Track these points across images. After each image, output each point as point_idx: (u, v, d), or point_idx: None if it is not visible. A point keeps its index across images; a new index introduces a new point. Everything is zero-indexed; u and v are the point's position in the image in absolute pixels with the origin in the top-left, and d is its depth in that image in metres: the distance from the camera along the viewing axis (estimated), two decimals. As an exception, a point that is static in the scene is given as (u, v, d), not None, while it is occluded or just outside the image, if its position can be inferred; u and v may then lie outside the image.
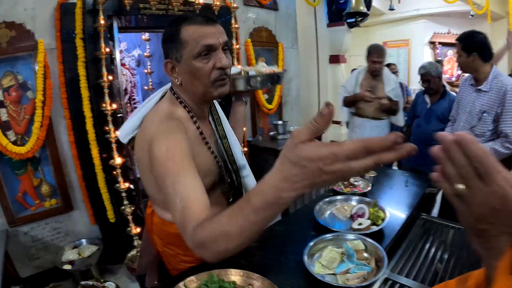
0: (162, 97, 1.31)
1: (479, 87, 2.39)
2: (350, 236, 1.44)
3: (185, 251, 1.33)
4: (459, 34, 2.52)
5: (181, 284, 1.14)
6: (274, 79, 1.56)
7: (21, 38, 2.49)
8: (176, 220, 0.96)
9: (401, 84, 4.83)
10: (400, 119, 3.65)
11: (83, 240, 2.91)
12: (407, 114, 3.92)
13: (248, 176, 1.47)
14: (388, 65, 5.03)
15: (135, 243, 2.86)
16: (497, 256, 0.46)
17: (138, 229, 2.82)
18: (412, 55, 8.08)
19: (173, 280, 1.24)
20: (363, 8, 4.44)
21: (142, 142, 1.16)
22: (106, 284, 2.67)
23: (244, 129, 1.68)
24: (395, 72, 4.98)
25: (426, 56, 7.94)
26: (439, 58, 7.94)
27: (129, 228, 2.84)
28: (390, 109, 3.55)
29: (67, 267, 2.65)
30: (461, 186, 0.49)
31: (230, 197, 1.39)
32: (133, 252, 2.90)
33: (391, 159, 0.54)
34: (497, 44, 7.67)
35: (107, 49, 2.60)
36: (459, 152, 0.48)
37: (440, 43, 8.27)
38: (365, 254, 1.35)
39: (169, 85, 1.31)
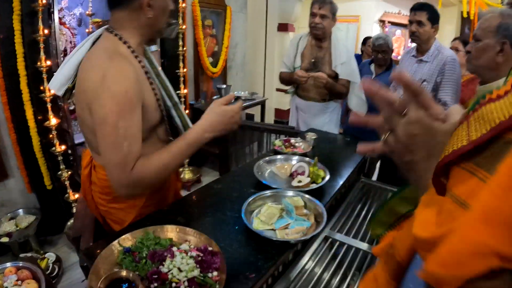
0: (93, 43, 1.27)
1: (420, 58, 2.48)
2: (289, 193, 1.44)
3: (139, 200, 1.37)
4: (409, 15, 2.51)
5: (115, 242, 1.09)
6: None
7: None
8: (115, 157, 1.09)
9: (359, 57, 4.76)
10: (353, 101, 2.89)
11: (20, 210, 2.75)
12: None
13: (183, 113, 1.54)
14: (368, 38, 4.83)
15: (74, 210, 2.76)
16: (425, 186, 0.49)
17: (77, 195, 2.71)
18: (361, 32, 8.22)
19: (108, 239, 1.19)
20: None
21: (88, 82, 1.13)
22: (46, 255, 2.61)
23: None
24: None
25: (375, 33, 8.13)
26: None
27: (67, 195, 2.74)
28: (332, 90, 2.74)
29: (5, 240, 2.51)
30: (387, 135, 0.53)
31: (170, 137, 1.44)
32: (73, 221, 2.77)
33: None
34: (445, 29, 8.04)
35: (44, 1, 2.39)
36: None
37: (389, 22, 8.49)
38: (305, 211, 1.36)
39: (99, 31, 1.28)
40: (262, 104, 4.87)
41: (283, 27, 5.67)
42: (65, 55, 4.05)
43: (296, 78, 2.71)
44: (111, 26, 1.24)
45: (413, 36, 2.51)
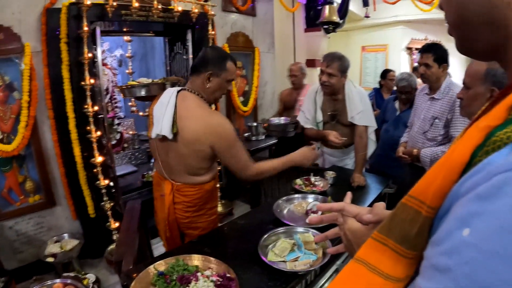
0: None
1: (432, 95, 2.54)
2: (300, 229, 1.64)
3: (212, 203, 2.04)
4: (435, 40, 2.52)
5: (151, 266, 1.34)
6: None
7: (9, 41, 2.56)
8: (239, 165, 1.85)
9: (378, 91, 4.79)
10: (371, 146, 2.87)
11: (65, 234, 2.99)
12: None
13: None
14: (387, 72, 4.83)
15: (114, 237, 2.99)
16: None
17: (117, 224, 2.95)
18: (390, 60, 8.30)
19: (145, 264, 1.42)
20: (336, 18, 4.65)
21: (200, 127, 1.78)
22: (87, 276, 2.78)
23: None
24: (393, 80, 4.52)
25: (403, 61, 8.18)
26: (416, 64, 8.13)
27: (108, 223, 2.97)
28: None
29: (50, 259, 2.73)
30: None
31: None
32: (112, 246, 3.02)
33: None
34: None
35: (90, 55, 2.70)
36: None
37: (417, 49, 8.53)
38: (314, 245, 1.54)
39: (175, 89, 1.91)
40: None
41: (311, 63, 5.89)
42: (107, 93, 4.44)
43: (332, 142, 2.63)
44: (189, 87, 1.92)
45: (423, 78, 2.59)
